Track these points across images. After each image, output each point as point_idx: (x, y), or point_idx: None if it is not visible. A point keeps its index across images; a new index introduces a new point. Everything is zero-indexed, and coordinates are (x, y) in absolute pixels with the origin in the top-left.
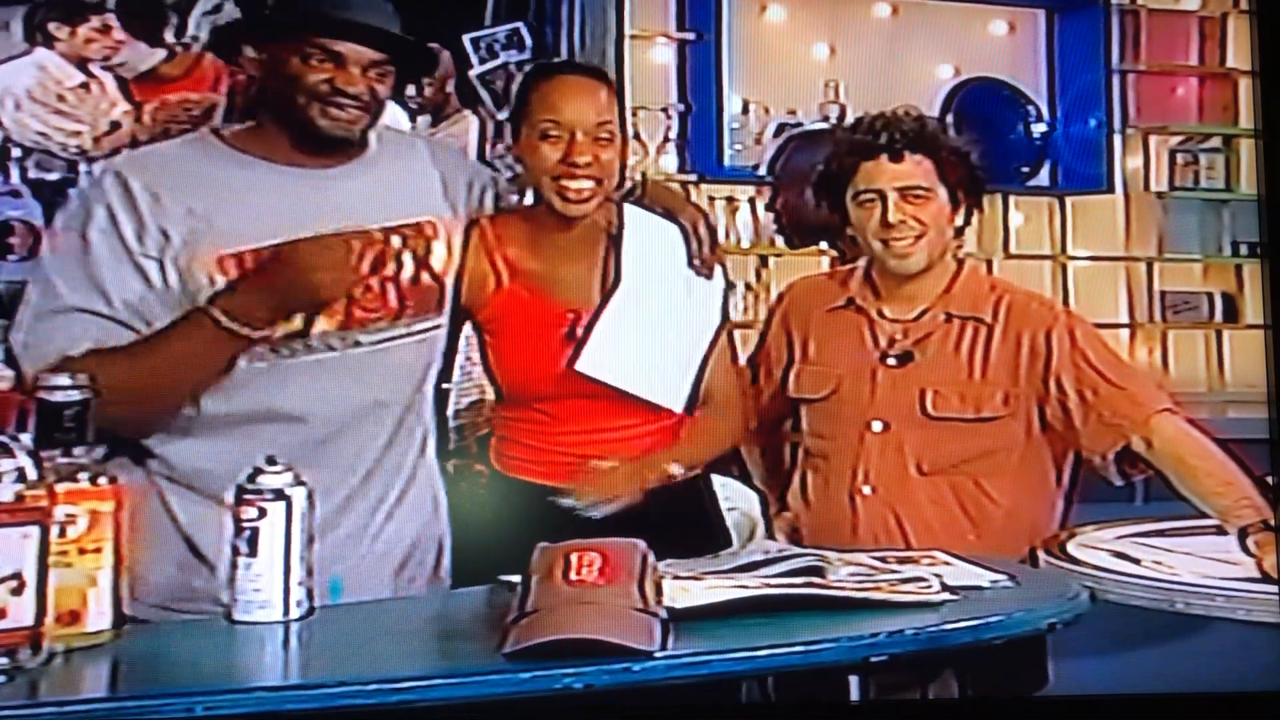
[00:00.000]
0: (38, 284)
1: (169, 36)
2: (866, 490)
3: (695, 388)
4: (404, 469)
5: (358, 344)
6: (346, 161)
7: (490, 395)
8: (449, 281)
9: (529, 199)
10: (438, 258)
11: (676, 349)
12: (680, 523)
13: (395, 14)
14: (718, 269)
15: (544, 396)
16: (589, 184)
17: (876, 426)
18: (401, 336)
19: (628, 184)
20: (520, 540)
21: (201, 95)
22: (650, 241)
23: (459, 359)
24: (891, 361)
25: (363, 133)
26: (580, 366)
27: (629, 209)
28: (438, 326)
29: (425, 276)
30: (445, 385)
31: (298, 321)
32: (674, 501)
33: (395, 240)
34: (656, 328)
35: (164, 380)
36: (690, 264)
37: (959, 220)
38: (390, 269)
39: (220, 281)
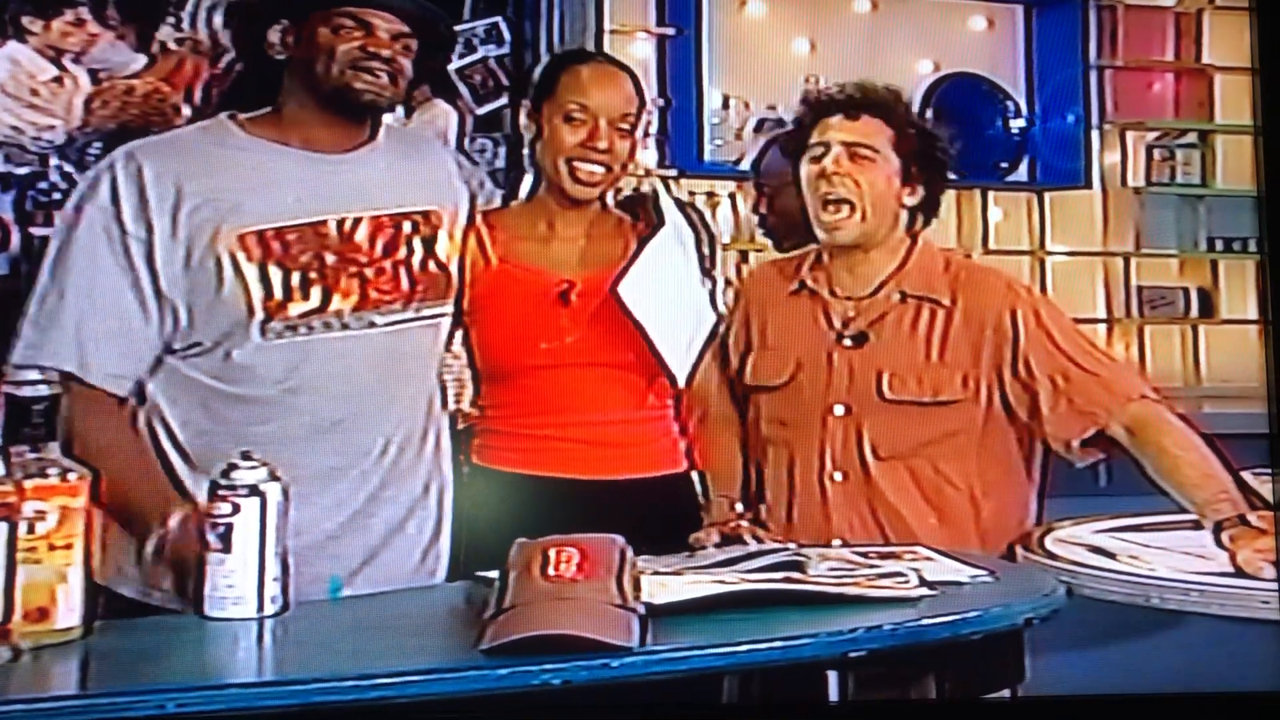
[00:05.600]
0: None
1: (162, 35)
2: (838, 476)
3: (693, 369)
4: (412, 449)
5: (373, 324)
6: (358, 149)
7: (468, 391)
8: (453, 270)
9: (523, 192)
10: (442, 246)
11: (687, 322)
12: (669, 521)
13: None
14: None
15: (529, 368)
16: (601, 169)
17: (839, 410)
18: (413, 320)
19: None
20: (499, 533)
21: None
22: (677, 216)
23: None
24: (848, 342)
25: (389, 105)
26: (622, 290)
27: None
28: (444, 314)
29: (432, 264)
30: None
31: (315, 298)
32: (660, 499)
33: (406, 225)
34: (678, 292)
35: None
36: (700, 263)
37: (910, 199)
38: (402, 253)
39: (241, 260)
